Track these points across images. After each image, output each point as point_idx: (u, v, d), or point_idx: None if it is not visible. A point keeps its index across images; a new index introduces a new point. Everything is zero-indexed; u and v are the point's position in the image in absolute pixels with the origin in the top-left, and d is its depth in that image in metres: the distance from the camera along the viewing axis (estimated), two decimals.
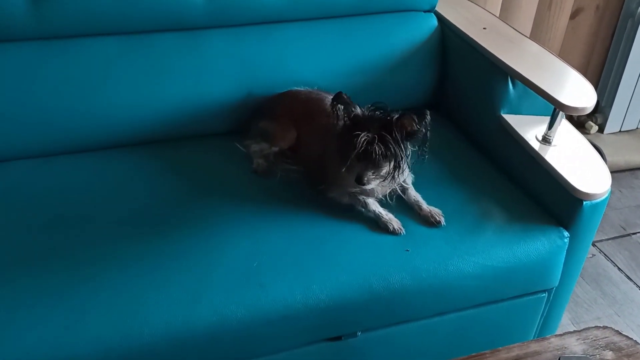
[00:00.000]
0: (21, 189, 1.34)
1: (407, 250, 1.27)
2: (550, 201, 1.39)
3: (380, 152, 1.19)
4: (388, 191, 1.34)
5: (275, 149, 1.43)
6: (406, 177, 1.33)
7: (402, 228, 1.30)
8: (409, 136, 1.22)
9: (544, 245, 1.34)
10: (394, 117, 1.20)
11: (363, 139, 1.18)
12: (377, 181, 1.25)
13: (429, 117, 1.20)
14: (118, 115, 1.45)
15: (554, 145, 1.43)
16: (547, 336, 0.99)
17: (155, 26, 1.48)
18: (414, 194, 1.36)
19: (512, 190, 1.45)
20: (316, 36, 1.60)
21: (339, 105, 1.22)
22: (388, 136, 1.19)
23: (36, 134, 1.41)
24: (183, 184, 1.39)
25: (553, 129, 1.42)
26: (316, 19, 1.60)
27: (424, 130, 1.21)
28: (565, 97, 1.38)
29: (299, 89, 1.50)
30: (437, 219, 1.32)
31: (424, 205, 1.34)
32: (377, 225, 1.30)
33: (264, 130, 1.46)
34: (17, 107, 1.38)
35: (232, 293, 1.16)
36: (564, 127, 1.48)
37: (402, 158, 1.22)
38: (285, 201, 1.35)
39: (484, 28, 1.65)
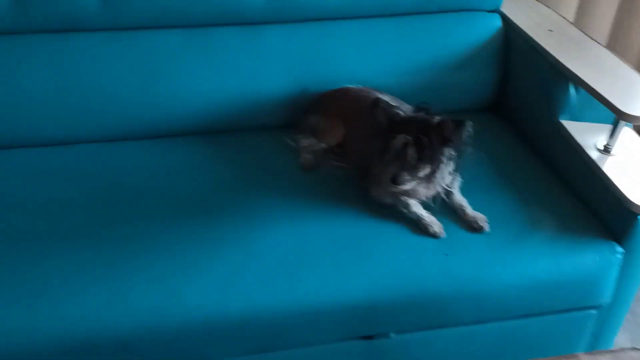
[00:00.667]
0: (82, 170, 1.41)
1: (446, 255, 1.25)
2: (604, 214, 1.32)
3: (416, 155, 1.17)
4: (432, 194, 1.32)
5: (323, 144, 1.45)
6: (450, 180, 1.30)
7: (443, 231, 1.28)
8: (448, 142, 1.20)
9: (594, 259, 1.28)
10: (434, 122, 1.19)
11: (400, 141, 1.17)
12: (414, 183, 1.24)
13: (470, 128, 1.18)
14: (177, 105, 1.51)
15: (613, 155, 1.36)
16: (577, 353, 0.95)
17: (217, 20, 1.52)
18: (459, 198, 1.33)
19: (565, 199, 1.39)
20: (374, 34, 1.59)
21: (379, 108, 1.22)
22: (425, 140, 1.18)
23: (101, 120, 1.48)
24: (232, 173, 1.42)
25: (614, 137, 1.35)
26: (375, 16, 1.60)
27: (462, 139, 1.18)
28: (626, 104, 1.30)
29: (350, 86, 1.50)
30: (481, 224, 1.29)
31: (469, 210, 1.31)
32: (417, 227, 1.29)
33: (314, 125, 1.47)
34: (84, 94, 1.45)
35: (267, 282, 1.18)
36: (628, 136, 1.41)
37: (439, 162, 1.20)
38: (329, 197, 1.36)
39: (550, 30, 1.59)
